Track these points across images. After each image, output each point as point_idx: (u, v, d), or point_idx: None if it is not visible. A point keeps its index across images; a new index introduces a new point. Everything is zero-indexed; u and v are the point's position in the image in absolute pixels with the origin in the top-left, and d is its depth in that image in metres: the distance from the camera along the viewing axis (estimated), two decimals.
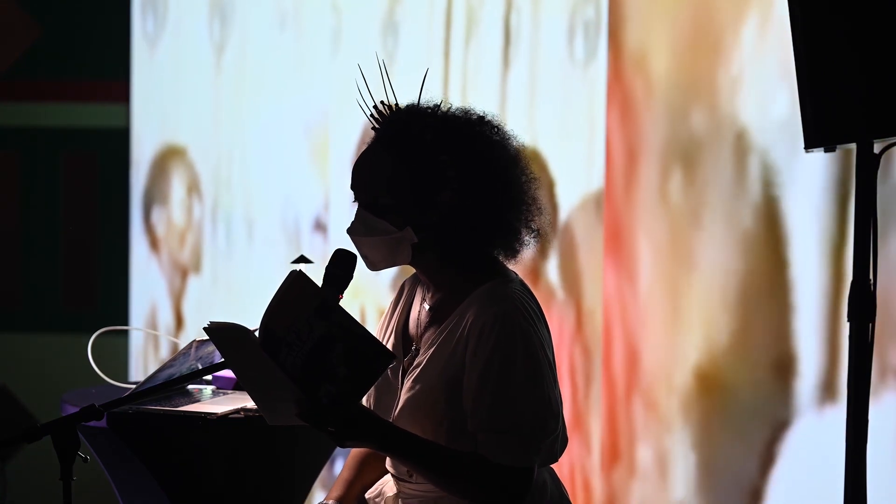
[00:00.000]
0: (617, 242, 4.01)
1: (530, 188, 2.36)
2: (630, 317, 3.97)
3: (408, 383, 2.35)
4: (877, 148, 2.29)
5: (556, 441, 2.31)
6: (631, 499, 3.99)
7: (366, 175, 2.34)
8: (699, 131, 3.82)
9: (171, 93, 4.92)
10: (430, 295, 2.41)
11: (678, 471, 3.89)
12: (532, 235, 2.36)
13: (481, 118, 2.35)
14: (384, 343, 2.44)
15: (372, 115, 2.36)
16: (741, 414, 3.77)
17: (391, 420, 2.34)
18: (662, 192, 3.90)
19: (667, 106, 3.89)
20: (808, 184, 3.61)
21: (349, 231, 2.35)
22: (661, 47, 3.91)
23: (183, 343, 3.03)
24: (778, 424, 3.69)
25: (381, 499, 2.46)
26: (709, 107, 3.81)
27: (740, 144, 3.75)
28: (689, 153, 3.84)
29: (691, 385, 3.86)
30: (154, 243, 4.96)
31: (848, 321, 2.30)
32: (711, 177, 3.80)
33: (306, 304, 2.15)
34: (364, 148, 2.37)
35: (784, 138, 3.64)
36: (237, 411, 2.85)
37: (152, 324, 4.86)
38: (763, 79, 3.70)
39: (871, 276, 2.29)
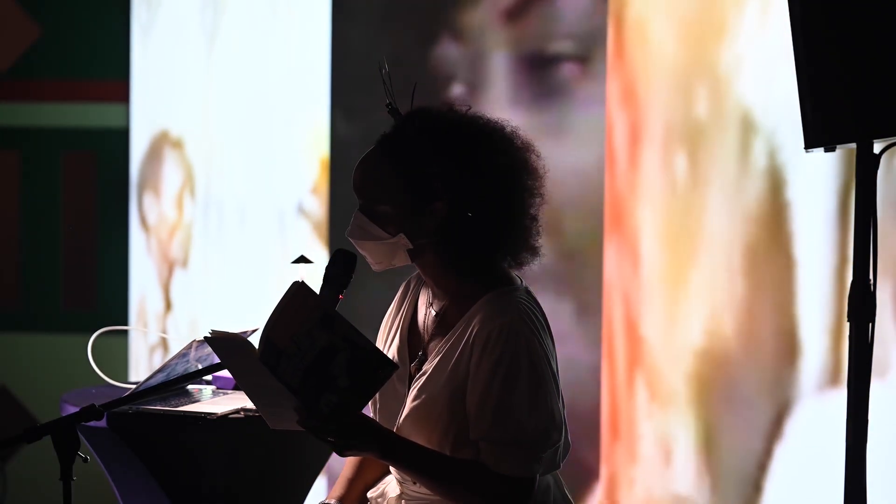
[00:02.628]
0: (619, 222, 4.02)
1: (532, 203, 2.33)
2: (633, 297, 3.99)
3: (413, 392, 2.34)
4: (877, 148, 2.29)
5: (557, 451, 2.31)
6: (632, 479, 4.01)
7: (362, 180, 2.33)
8: (703, 111, 3.84)
9: (164, 82, 4.92)
10: (436, 300, 2.41)
11: (680, 451, 3.90)
12: (530, 252, 2.34)
13: (481, 129, 2.33)
14: (389, 343, 2.44)
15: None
16: (745, 393, 3.79)
17: (396, 427, 2.34)
18: (666, 171, 3.91)
19: (670, 85, 3.91)
20: (813, 164, 3.63)
21: (347, 233, 2.35)
22: (664, 25, 3.92)
23: (183, 343, 3.02)
24: (782, 404, 3.71)
25: (384, 499, 2.46)
26: (712, 86, 3.83)
27: (745, 124, 3.77)
28: (693, 132, 3.86)
29: (695, 364, 3.88)
30: (153, 240, 4.96)
31: (848, 321, 2.30)
32: (716, 156, 3.82)
33: (308, 316, 2.14)
34: (368, 151, 2.37)
35: (789, 117, 3.66)
36: (237, 411, 2.85)
37: (152, 323, 4.86)
38: (767, 57, 3.72)
39: (871, 276, 2.29)
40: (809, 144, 2.29)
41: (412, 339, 2.43)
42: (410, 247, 2.31)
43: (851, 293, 2.30)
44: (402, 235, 2.30)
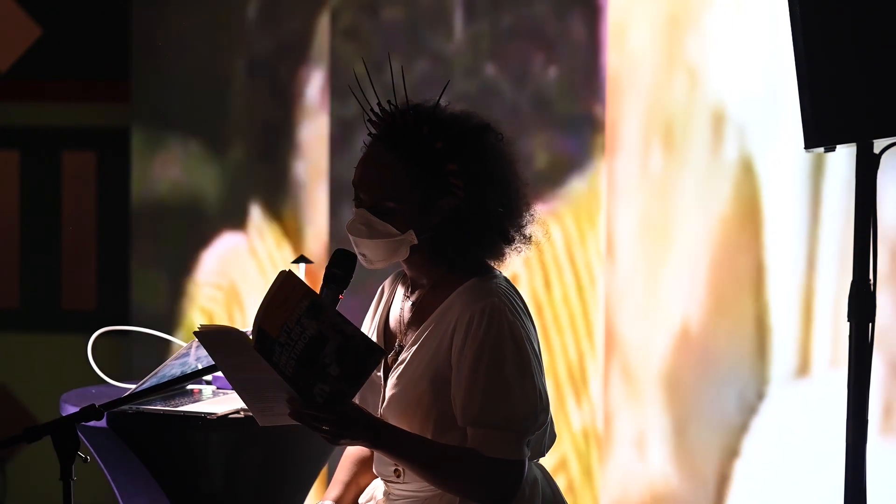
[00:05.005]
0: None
1: (526, 194, 2.37)
2: (609, 289, 4.02)
3: (393, 380, 2.35)
4: (877, 148, 2.29)
5: (544, 434, 2.32)
6: (608, 467, 4.03)
7: (373, 177, 2.34)
8: (678, 106, 3.89)
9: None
10: (412, 291, 2.42)
11: (655, 441, 3.93)
12: (524, 242, 2.37)
13: (486, 125, 2.36)
14: None
15: (372, 113, 2.36)
16: (718, 384, 3.84)
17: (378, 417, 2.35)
18: (643, 165, 3.96)
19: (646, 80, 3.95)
20: (783, 160, 3.69)
21: (349, 230, 2.35)
22: (641, 21, 3.96)
23: (183, 343, 3.02)
24: (754, 394, 3.77)
25: (374, 502, 2.46)
26: (687, 81, 3.87)
27: (717, 117, 3.82)
28: (668, 127, 3.91)
29: (669, 355, 3.92)
30: (154, 241, 4.96)
31: (848, 321, 2.30)
32: (690, 150, 3.87)
33: (297, 304, 2.15)
34: (369, 147, 2.37)
35: (760, 110, 3.72)
36: (237, 411, 2.85)
37: (152, 323, 4.86)
38: (739, 55, 3.77)
39: (871, 276, 2.29)
40: (809, 144, 2.29)
41: (387, 334, 2.45)
42: (416, 242, 2.32)
43: (851, 293, 2.30)
44: (410, 232, 2.31)
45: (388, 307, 2.48)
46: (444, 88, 2.36)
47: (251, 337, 2.19)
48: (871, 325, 2.29)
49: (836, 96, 2.26)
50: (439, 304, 2.34)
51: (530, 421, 2.27)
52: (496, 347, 2.26)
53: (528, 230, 2.38)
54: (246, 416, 2.83)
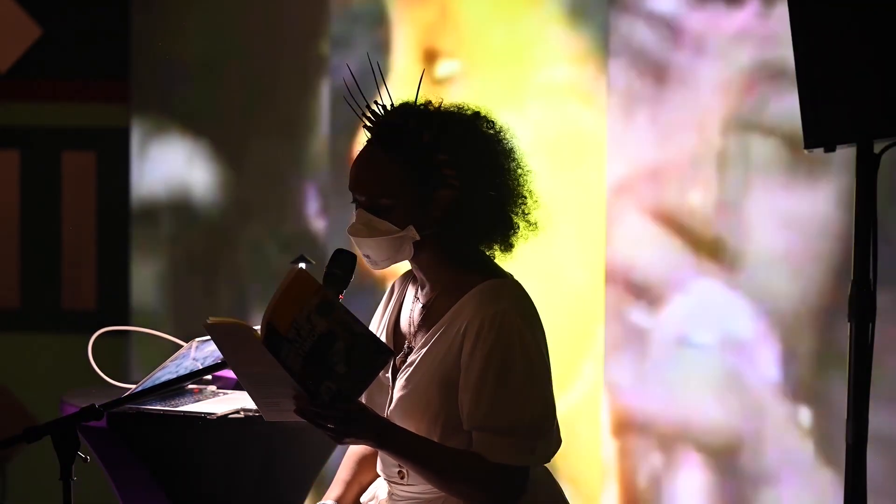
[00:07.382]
0: None
1: (527, 181, 2.36)
2: None
3: (401, 381, 2.35)
4: (877, 148, 2.29)
5: (550, 441, 2.31)
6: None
7: (366, 177, 2.34)
8: None
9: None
10: (423, 293, 2.41)
11: None
12: (530, 228, 2.37)
13: (476, 114, 2.36)
14: None
15: (364, 115, 2.36)
16: None
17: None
18: None
19: None
20: None
21: (350, 232, 2.35)
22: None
23: (183, 343, 3.02)
24: None
25: (375, 502, 2.46)
26: None
27: None
28: None
29: None
30: (154, 241, 4.96)
31: (848, 321, 2.30)
32: None
33: (307, 302, 2.14)
34: (362, 149, 2.37)
35: None
36: (237, 411, 2.85)
37: (152, 323, 4.86)
38: None
39: (871, 276, 2.29)
40: (809, 144, 2.29)
41: (397, 333, 2.44)
42: (418, 238, 2.32)
43: (852, 293, 2.30)
44: (411, 227, 2.31)
45: (398, 307, 2.47)
46: (421, 78, 2.36)
47: (260, 332, 2.19)
48: (871, 325, 2.29)
49: (836, 96, 2.26)
50: (450, 308, 2.33)
51: (536, 428, 2.27)
52: (505, 353, 2.26)
53: (532, 217, 2.37)
54: (246, 416, 2.83)
